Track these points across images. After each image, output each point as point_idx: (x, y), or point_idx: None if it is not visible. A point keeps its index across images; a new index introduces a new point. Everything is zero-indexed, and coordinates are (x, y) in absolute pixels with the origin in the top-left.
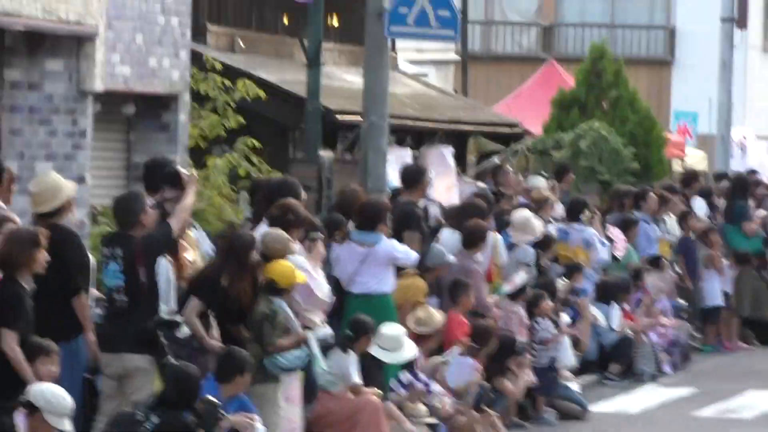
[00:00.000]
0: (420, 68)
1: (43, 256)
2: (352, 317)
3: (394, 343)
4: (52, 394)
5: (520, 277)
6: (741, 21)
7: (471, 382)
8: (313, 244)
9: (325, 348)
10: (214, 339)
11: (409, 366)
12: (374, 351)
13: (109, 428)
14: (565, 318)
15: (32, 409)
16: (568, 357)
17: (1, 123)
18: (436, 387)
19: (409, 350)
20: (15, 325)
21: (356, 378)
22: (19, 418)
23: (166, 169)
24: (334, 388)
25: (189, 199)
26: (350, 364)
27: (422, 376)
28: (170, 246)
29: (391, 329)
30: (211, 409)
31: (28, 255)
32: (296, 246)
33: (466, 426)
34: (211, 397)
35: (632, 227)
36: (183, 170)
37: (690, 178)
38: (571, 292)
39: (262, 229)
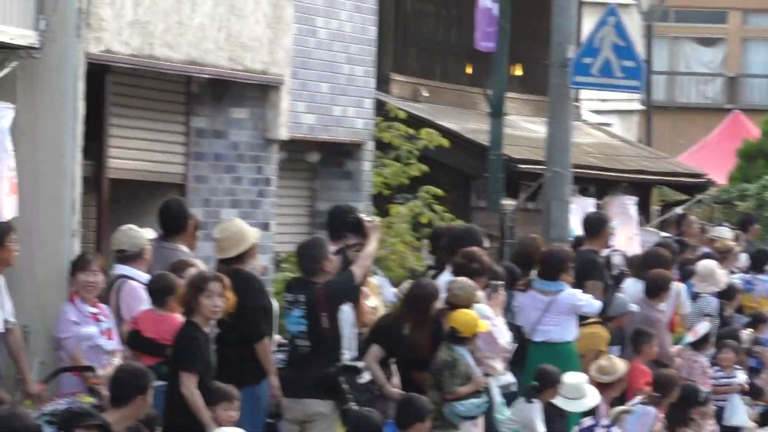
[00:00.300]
0: (603, 118)
1: (210, 302)
2: (540, 367)
3: (577, 391)
4: None
5: (703, 327)
6: None
7: (653, 430)
8: (494, 291)
9: (506, 395)
10: (394, 386)
11: (592, 413)
12: (556, 400)
13: None
14: (741, 376)
15: None
16: (738, 416)
17: (187, 170)
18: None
19: (592, 398)
20: (192, 368)
21: (540, 428)
22: None
23: (349, 217)
24: None
25: (372, 246)
26: (534, 413)
27: (604, 421)
28: (352, 293)
29: (573, 378)
30: None
31: (192, 299)
32: (480, 294)
33: None
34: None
35: None
36: (366, 218)
37: None
38: (755, 343)
39: (445, 277)
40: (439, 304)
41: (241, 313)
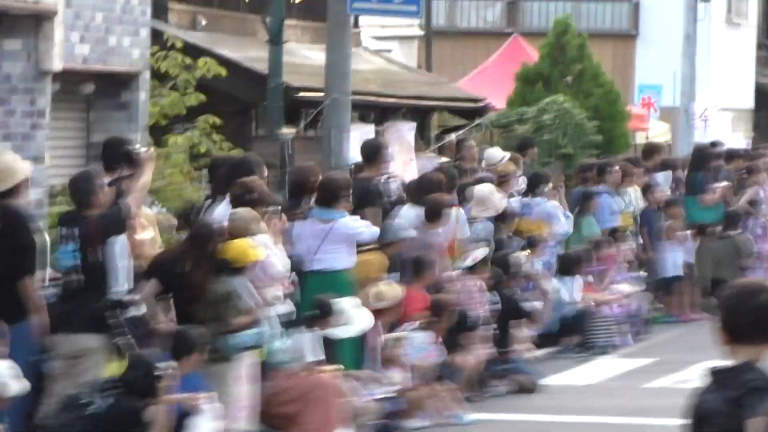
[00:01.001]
0: (384, 44)
1: None
2: (319, 297)
3: (346, 317)
4: None
5: (480, 252)
6: None
7: (429, 356)
8: (271, 219)
9: (285, 324)
10: (169, 320)
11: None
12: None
13: (55, 410)
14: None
15: None
16: None
17: None
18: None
19: (363, 322)
20: None
21: (315, 356)
22: None
23: (122, 148)
24: (293, 365)
25: (145, 177)
26: (310, 342)
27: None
28: (125, 225)
29: (343, 304)
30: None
31: None
32: (261, 224)
33: (421, 399)
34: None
35: (592, 200)
36: (139, 148)
37: (651, 150)
38: (531, 266)
39: (223, 207)
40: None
41: (9, 250)
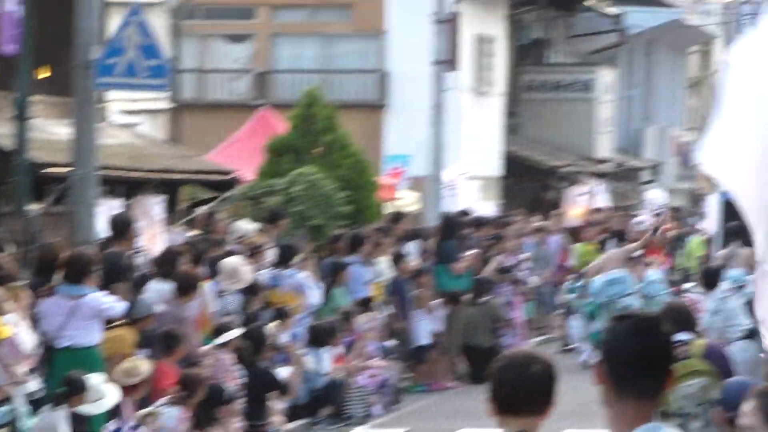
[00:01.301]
0: (134, 118)
1: None
2: (67, 374)
3: (95, 393)
4: None
5: (234, 333)
6: (452, 64)
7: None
8: (18, 296)
9: (32, 402)
10: None
11: (117, 414)
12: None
13: None
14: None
15: None
16: None
17: None
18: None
19: (111, 398)
20: None
21: None
22: None
23: None
24: None
25: None
26: (59, 420)
27: (131, 422)
28: None
29: (92, 380)
30: None
31: None
32: (8, 302)
33: None
34: None
35: (344, 271)
36: None
37: (395, 219)
38: (280, 338)
39: None
40: None
41: None
